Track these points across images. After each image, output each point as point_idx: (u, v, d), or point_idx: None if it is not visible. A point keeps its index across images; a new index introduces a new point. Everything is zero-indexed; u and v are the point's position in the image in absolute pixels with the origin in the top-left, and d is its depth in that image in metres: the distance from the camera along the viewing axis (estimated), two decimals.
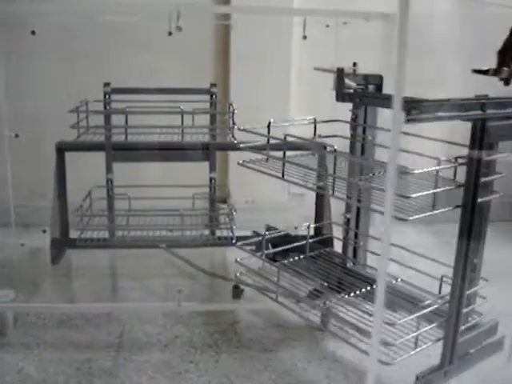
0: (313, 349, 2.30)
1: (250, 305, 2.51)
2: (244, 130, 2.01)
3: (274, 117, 2.28)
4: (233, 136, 2.34)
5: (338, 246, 2.46)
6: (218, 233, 2.71)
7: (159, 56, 3.41)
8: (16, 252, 2.86)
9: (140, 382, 2.05)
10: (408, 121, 1.47)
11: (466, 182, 1.68)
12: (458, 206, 1.70)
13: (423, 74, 3.57)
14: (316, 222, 2.68)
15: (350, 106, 2.14)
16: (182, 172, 2.84)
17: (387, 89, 2.08)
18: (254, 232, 2.40)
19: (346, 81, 2.05)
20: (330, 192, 1.80)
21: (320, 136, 2.17)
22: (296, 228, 2.64)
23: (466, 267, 1.71)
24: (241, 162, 2.03)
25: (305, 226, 2.34)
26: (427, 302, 1.87)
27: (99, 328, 2.40)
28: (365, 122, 2.17)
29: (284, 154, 1.91)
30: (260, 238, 2.19)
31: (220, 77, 3.49)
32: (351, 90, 2.08)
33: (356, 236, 2.30)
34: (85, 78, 3.38)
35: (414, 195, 1.63)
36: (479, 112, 1.63)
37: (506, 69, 1.78)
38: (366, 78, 2.10)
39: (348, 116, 2.18)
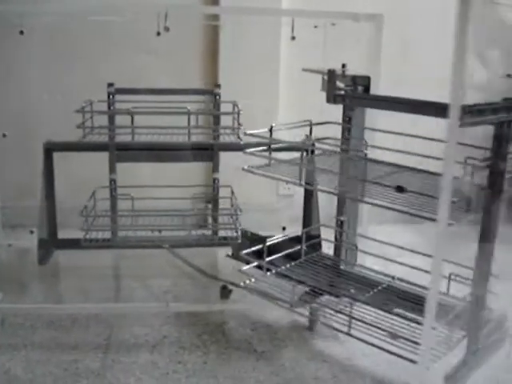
0: (301, 349, 2.30)
1: (239, 305, 2.51)
2: (250, 135, 1.99)
3: (263, 117, 2.30)
4: (239, 137, 2.33)
5: (325, 247, 2.46)
6: (222, 233, 2.70)
7: (148, 56, 3.41)
8: (3, 253, 2.86)
9: (128, 382, 2.04)
10: (461, 125, 1.47)
11: (490, 184, 1.69)
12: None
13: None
14: (304, 223, 2.69)
15: (337, 106, 2.12)
16: (181, 172, 2.85)
17: (374, 90, 2.09)
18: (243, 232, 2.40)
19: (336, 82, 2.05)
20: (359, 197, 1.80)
21: (313, 138, 2.17)
22: (284, 229, 2.66)
23: (488, 267, 1.73)
24: (246, 167, 2.00)
25: (291, 228, 2.34)
26: (449, 304, 1.90)
27: (87, 329, 2.39)
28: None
29: (301, 156, 1.90)
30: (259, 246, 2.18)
31: (209, 77, 3.48)
32: (342, 92, 2.08)
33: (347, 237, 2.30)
34: (73, 77, 3.38)
35: (455, 199, 1.61)
36: None
37: None
38: (354, 79, 2.11)
39: (335, 117, 2.18)
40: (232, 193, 2.70)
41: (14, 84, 3.36)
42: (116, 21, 2.58)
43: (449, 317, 1.78)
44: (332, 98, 2.06)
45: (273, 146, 2.02)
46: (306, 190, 2.68)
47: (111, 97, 2.55)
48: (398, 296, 2.08)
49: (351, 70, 2.13)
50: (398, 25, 3.44)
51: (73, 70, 3.36)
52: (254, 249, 2.17)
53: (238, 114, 2.39)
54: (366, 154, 2.18)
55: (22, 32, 2.39)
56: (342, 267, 2.32)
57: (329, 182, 1.91)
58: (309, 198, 2.67)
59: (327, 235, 2.43)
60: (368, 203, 1.79)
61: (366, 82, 2.10)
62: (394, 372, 2.16)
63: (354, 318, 1.87)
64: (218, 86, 2.68)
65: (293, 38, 2.50)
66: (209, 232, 2.72)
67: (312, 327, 2.44)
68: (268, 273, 2.14)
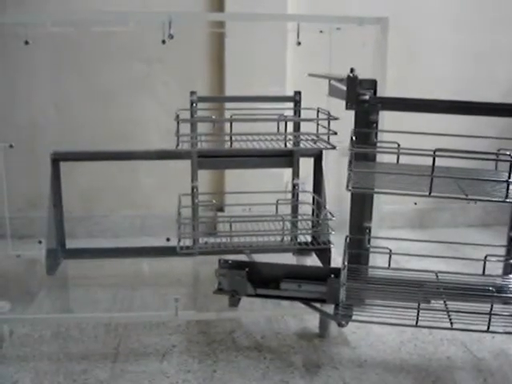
0: (311, 356, 2.28)
1: (248, 313, 2.49)
2: (350, 150, 1.91)
3: (270, 124, 2.29)
4: (329, 143, 2.28)
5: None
6: (302, 238, 2.67)
7: (154, 65, 3.41)
8: (12, 263, 2.85)
9: None
10: None
11: None
12: None
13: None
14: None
15: (341, 110, 2.09)
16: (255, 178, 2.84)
17: (380, 93, 2.08)
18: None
19: (339, 85, 2.04)
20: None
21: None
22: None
23: None
24: (350, 187, 1.83)
25: None
26: None
27: (96, 338, 2.38)
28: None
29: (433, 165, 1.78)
30: None
31: (215, 84, 3.48)
32: (366, 97, 2.03)
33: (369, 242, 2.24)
34: (78, 87, 3.39)
35: None
36: None
37: None
38: (361, 83, 2.09)
39: (344, 122, 2.15)
40: (313, 198, 2.69)
41: (19, 94, 3.37)
42: (121, 30, 2.59)
43: None
44: (354, 104, 2.02)
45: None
46: (314, 197, 2.66)
47: (195, 105, 2.54)
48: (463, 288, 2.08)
49: (359, 75, 2.11)
50: (403, 27, 3.44)
51: (78, 79, 3.37)
52: None
53: (329, 120, 2.32)
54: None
55: (26, 42, 2.40)
56: (382, 273, 2.24)
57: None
58: (316, 204, 2.65)
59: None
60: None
61: (372, 85, 2.08)
62: (404, 380, 2.14)
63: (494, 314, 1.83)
64: (299, 93, 2.67)
65: (298, 43, 2.49)
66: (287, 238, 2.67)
67: (322, 334, 2.42)
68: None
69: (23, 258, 2.87)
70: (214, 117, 2.48)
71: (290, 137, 2.47)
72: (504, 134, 2.02)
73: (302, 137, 2.38)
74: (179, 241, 2.37)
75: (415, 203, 3.79)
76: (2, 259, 2.82)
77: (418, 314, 1.82)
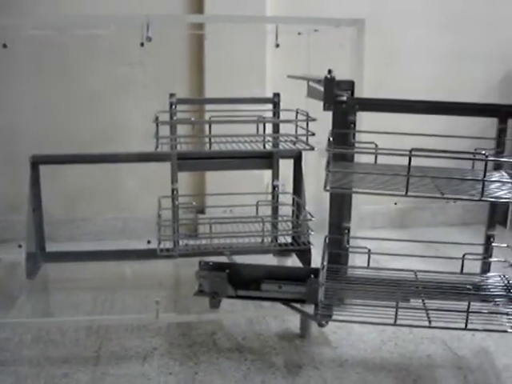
0: (292, 356, 2.29)
1: (229, 314, 2.49)
2: (326, 150, 1.92)
3: (250, 126, 2.29)
4: (307, 144, 2.28)
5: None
6: (282, 239, 2.67)
7: (133, 67, 3.41)
8: None
9: None
10: None
11: None
12: None
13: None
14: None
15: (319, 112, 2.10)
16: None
17: (358, 94, 2.09)
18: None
19: (317, 86, 2.05)
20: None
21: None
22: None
23: None
24: (328, 188, 1.82)
25: None
26: None
27: (77, 342, 2.37)
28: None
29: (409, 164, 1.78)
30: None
31: (195, 86, 3.48)
32: (344, 98, 2.05)
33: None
34: (58, 90, 3.38)
35: None
36: None
37: None
38: (338, 84, 2.10)
39: (322, 123, 2.16)
40: (293, 199, 2.69)
41: None
42: (100, 34, 2.58)
43: None
44: (331, 105, 2.03)
45: None
46: (293, 198, 2.67)
47: (173, 107, 2.54)
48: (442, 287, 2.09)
49: (335, 76, 2.12)
50: (381, 29, 3.46)
51: (57, 82, 3.36)
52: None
53: (307, 121, 2.32)
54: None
55: (5, 45, 2.38)
56: (355, 274, 2.26)
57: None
58: (297, 205, 2.65)
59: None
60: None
61: (349, 86, 2.10)
62: (385, 378, 2.15)
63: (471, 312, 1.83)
64: (278, 94, 2.67)
65: (277, 45, 2.50)
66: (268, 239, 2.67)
67: (303, 334, 2.43)
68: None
69: (3, 262, 2.86)
70: (193, 119, 2.48)
71: (270, 138, 2.47)
72: (481, 134, 2.03)
73: (281, 138, 2.39)
74: (159, 243, 2.37)
75: (395, 203, 3.81)
76: None
77: (396, 313, 1.83)
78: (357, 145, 2.09)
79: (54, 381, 2.10)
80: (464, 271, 2.14)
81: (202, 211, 3.37)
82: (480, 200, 1.72)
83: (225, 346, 2.36)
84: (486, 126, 2.13)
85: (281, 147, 2.35)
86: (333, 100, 2.01)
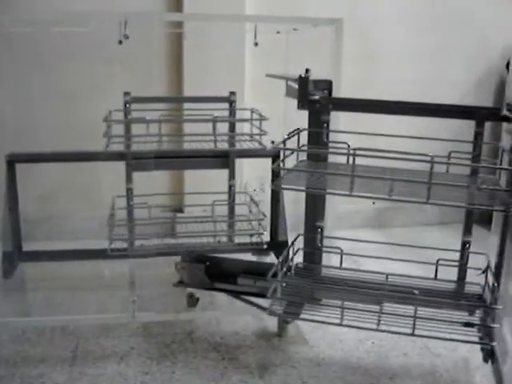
0: (270, 355, 2.29)
1: (207, 313, 2.49)
2: (278, 149, 1.97)
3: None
4: (260, 143, 2.28)
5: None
6: (241, 239, 2.66)
7: (112, 65, 3.39)
8: None
9: None
10: None
11: None
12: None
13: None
14: (271, 228, 2.69)
15: (299, 112, 2.12)
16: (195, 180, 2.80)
17: (336, 94, 2.10)
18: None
19: (294, 85, 2.05)
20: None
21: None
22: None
23: None
24: (274, 185, 1.97)
25: None
26: None
27: (53, 342, 2.36)
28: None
29: (353, 163, 1.80)
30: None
31: (174, 84, 3.47)
32: (316, 97, 2.06)
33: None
34: (35, 88, 3.35)
35: None
36: None
37: None
38: (316, 84, 2.11)
39: (299, 122, 2.17)
40: (251, 199, 2.68)
41: None
42: (78, 31, 2.56)
43: None
44: (305, 104, 2.05)
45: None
46: (272, 196, 2.68)
47: (128, 105, 2.52)
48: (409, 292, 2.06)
49: (314, 75, 2.13)
50: (361, 28, 3.48)
51: (35, 80, 3.33)
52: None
53: (261, 120, 2.33)
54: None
55: None
56: (324, 272, 2.28)
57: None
58: (276, 203, 2.66)
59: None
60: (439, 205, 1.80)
61: (327, 85, 2.11)
62: (362, 377, 2.16)
63: (418, 317, 1.83)
64: (234, 93, 2.66)
65: (255, 44, 2.50)
66: (224, 239, 2.67)
67: (281, 333, 2.44)
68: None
69: None
70: (148, 118, 2.45)
71: (225, 137, 2.48)
72: (460, 136, 2.04)
73: (237, 137, 2.40)
74: (110, 243, 2.37)
75: (373, 203, 3.82)
76: None
77: (342, 314, 1.85)
78: (331, 145, 2.11)
79: (30, 381, 2.08)
80: (440, 276, 2.14)
81: (181, 210, 3.36)
82: (426, 203, 1.75)
83: (202, 345, 2.36)
84: (469, 127, 2.14)
85: (238, 146, 2.37)
86: (306, 99, 2.03)
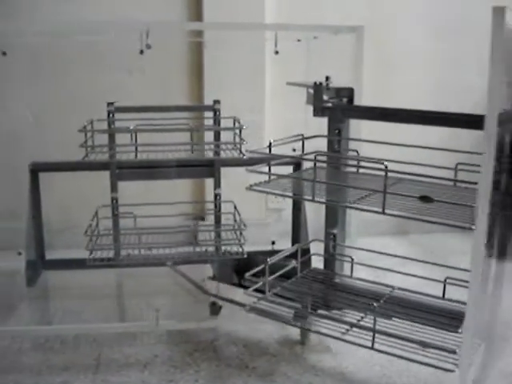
0: (293, 364, 2.28)
1: (229, 322, 2.49)
2: (252, 152, 1.99)
3: (250, 133, 2.30)
4: (241, 152, 2.31)
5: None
6: (223, 249, 2.67)
7: (133, 74, 3.41)
8: None
9: None
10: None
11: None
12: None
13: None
14: (293, 237, 2.68)
15: (320, 120, 2.12)
16: (176, 189, 2.82)
17: (358, 101, 2.10)
18: None
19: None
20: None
21: (295, 151, 2.18)
22: (273, 243, 2.64)
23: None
24: (248, 186, 1.99)
25: (281, 242, 2.34)
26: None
27: (76, 350, 2.37)
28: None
29: (315, 171, 1.88)
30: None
31: (194, 94, 3.49)
32: (329, 104, 2.08)
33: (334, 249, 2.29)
34: (57, 97, 3.37)
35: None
36: None
37: None
38: (338, 92, 2.11)
39: (320, 130, 2.18)
40: (235, 208, 2.69)
41: None
42: (100, 40, 2.59)
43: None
44: (320, 111, 2.06)
45: (277, 161, 2.03)
46: (294, 204, 2.68)
47: (111, 115, 2.53)
48: (402, 305, 2.07)
49: (335, 83, 2.13)
50: (381, 36, 3.47)
51: (57, 89, 3.36)
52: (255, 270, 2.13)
53: (240, 129, 2.36)
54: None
55: (4, 53, 2.38)
56: (337, 280, 2.30)
57: (331, 194, 1.90)
58: (297, 212, 2.66)
59: (317, 249, 2.41)
60: (396, 216, 1.74)
61: (349, 93, 2.11)
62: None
63: (377, 331, 1.83)
64: (218, 101, 2.67)
65: (276, 52, 2.50)
66: (211, 248, 2.69)
67: (304, 341, 2.43)
68: (269, 292, 2.10)
69: (3, 270, 2.85)
70: (131, 127, 2.45)
71: (209, 146, 2.52)
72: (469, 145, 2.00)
73: (222, 146, 2.43)
74: (90, 253, 2.39)
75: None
76: None
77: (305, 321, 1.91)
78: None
79: None
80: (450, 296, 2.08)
81: (203, 218, 3.37)
82: (383, 213, 1.73)
83: (225, 353, 2.36)
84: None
85: (223, 155, 2.42)
86: (321, 106, 2.03)
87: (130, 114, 2.52)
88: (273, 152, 1.96)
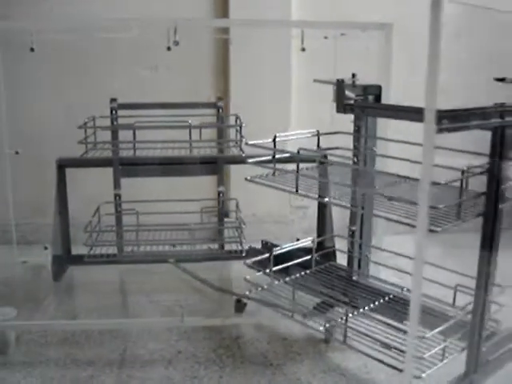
0: (317, 362, 2.27)
1: (254, 319, 2.49)
2: (251, 145, 2.00)
3: (275, 130, 2.29)
4: (241, 149, 2.32)
5: (340, 258, 2.45)
6: (227, 246, 2.69)
7: (159, 71, 3.42)
8: (18, 269, 2.86)
9: None
10: (440, 130, 1.44)
11: (488, 191, 1.66)
12: (480, 215, 1.69)
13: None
14: (318, 234, 2.67)
15: (350, 117, 2.12)
16: (190, 186, 2.84)
17: (386, 99, 2.08)
18: (264, 244, 2.41)
19: (346, 92, 2.04)
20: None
21: (320, 148, 2.17)
22: (298, 240, 2.63)
23: (488, 276, 1.69)
24: (249, 178, 2.02)
25: (307, 239, 2.33)
26: (451, 315, 1.88)
27: (101, 345, 2.38)
28: (366, 132, 2.16)
29: (297, 166, 1.93)
30: (266, 255, 2.17)
31: (220, 91, 3.49)
32: (351, 101, 2.07)
33: (360, 247, 2.29)
34: (84, 94, 3.39)
35: (441, 206, 1.61)
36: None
37: None
38: (365, 89, 2.10)
39: (348, 127, 2.17)
40: (237, 206, 2.69)
41: (25, 101, 3.37)
42: (125, 37, 2.60)
43: (444, 326, 1.76)
44: (342, 108, 2.05)
45: (277, 156, 2.02)
46: (319, 203, 2.67)
47: (114, 112, 2.55)
48: (403, 306, 2.06)
49: (362, 80, 2.12)
50: (407, 33, 3.44)
51: (83, 86, 3.38)
52: (260, 258, 2.18)
53: (241, 126, 2.37)
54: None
55: (32, 49, 2.40)
56: (354, 278, 2.30)
57: (337, 193, 1.90)
58: (322, 208, 2.65)
59: (344, 246, 2.40)
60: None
61: (376, 90, 2.09)
62: None
63: (349, 327, 1.87)
64: (221, 99, 2.67)
65: (303, 49, 2.49)
66: (215, 246, 2.71)
67: (328, 340, 2.42)
68: (276, 282, 2.14)
69: (29, 264, 2.88)
70: (135, 124, 2.47)
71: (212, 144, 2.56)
72: None
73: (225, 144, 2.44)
74: (91, 249, 2.41)
75: None
76: (9, 265, 2.83)
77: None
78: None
79: (80, 383, 2.11)
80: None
81: (227, 215, 3.37)
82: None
83: (249, 350, 2.36)
84: None
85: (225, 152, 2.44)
86: (342, 103, 2.03)
87: (139, 111, 2.55)
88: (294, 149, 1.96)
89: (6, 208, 2.62)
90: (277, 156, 2.02)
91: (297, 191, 1.90)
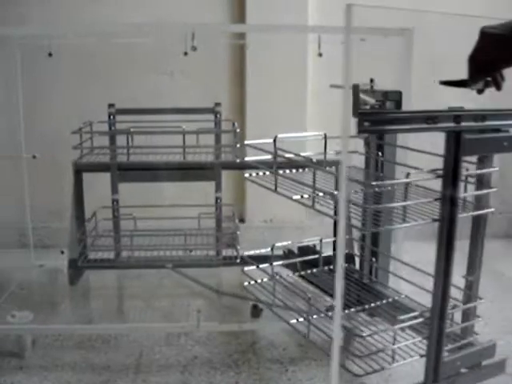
0: None
1: (269, 324, 2.48)
2: (247, 146, 1.98)
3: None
4: (236, 155, 2.32)
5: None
6: (224, 252, 2.68)
7: (176, 76, 3.42)
8: (34, 273, 2.87)
9: None
10: (359, 132, 1.45)
11: (442, 196, 1.62)
12: (435, 220, 1.66)
13: None
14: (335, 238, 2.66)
15: None
16: (193, 191, 2.84)
17: (406, 105, 2.06)
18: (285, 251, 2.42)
19: (363, 97, 2.03)
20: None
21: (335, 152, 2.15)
22: (314, 246, 2.62)
23: (445, 282, 1.65)
24: (247, 175, 2.02)
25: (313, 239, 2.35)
26: (411, 315, 1.80)
27: (117, 349, 2.38)
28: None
29: (297, 169, 1.94)
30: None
31: (237, 96, 3.49)
32: (367, 107, 2.06)
33: (373, 253, 2.27)
34: (101, 98, 3.39)
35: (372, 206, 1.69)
36: (452, 124, 1.56)
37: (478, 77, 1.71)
38: (386, 95, 2.08)
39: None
40: (233, 213, 2.69)
41: (42, 105, 3.39)
42: (142, 42, 2.61)
43: (404, 324, 1.74)
44: (357, 113, 2.04)
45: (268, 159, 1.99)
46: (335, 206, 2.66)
47: (112, 117, 2.56)
48: (394, 310, 2.03)
49: (382, 86, 2.11)
50: (427, 39, 3.42)
51: (100, 90, 3.38)
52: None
53: (235, 132, 2.37)
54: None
55: (50, 54, 2.42)
56: (350, 279, 2.28)
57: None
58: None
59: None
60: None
61: (397, 96, 2.08)
62: None
63: (312, 324, 1.89)
64: (219, 104, 2.66)
65: (320, 54, 2.48)
66: (212, 252, 2.69)
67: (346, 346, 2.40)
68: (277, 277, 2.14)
69: (46, 268, 2.89)
70: (132, 129, 2.47)
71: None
72: None
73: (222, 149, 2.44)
74: (85, 254, 2.42)
75: None
76: (25, 269, 2.84)
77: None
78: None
79: None
80: None
81: (242, 220, 3.37)
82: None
83: (265, 355, 2.35)
84: None
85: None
86: (357, 108, 2.02)
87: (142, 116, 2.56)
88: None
89: (23, 212, 2.64)
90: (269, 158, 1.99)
91: (275, 189, 1.87)
